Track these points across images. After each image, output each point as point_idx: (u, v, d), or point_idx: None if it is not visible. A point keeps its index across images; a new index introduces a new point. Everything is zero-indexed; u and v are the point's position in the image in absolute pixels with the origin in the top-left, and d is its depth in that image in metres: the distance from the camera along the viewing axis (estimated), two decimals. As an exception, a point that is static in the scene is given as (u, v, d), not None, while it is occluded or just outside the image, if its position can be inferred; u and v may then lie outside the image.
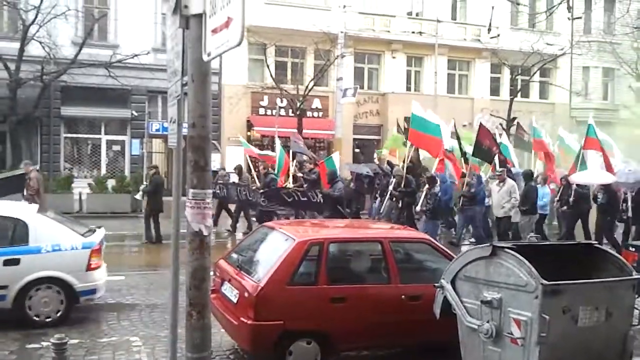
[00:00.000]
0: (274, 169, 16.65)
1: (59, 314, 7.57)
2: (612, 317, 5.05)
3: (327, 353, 6.01)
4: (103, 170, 24.40)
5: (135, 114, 24.65)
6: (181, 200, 4.54)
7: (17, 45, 20.34)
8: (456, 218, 15.98)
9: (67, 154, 24.75)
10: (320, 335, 5.95)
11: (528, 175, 14.33)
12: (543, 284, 4.66)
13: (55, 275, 7.51)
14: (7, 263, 7.36)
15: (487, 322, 5.09)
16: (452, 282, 5.47)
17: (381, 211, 15.17)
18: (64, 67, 21.04)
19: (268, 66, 24.88)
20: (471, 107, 30.12)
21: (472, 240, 14.89)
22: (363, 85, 28.75)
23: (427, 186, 13.72)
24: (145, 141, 24.03)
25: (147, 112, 24.90)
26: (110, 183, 20.65)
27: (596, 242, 6.90)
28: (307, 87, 24.26)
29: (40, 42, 20.38)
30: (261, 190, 14.72)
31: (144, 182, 16.23)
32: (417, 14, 30.19)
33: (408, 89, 30.11)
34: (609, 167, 14.74)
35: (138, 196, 15.89)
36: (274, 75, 24.79)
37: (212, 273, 5.14)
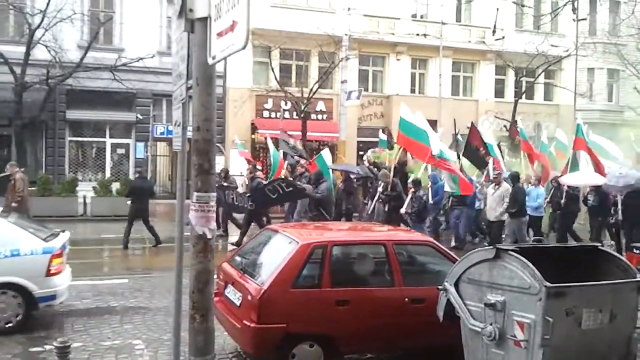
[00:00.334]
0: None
1: (18, 318, 7.38)
2: (616, 320, 5.04)
3: (330, 356, 6.00)
4: (108, 174, 24.46)
5: (140, 117, 24.72)
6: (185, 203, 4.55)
7: (22, 49, 20.42)
8: (443, 218, 16.04)
9: (72, 158, 24.82)
10: (323, 338, 5.95)
11: (515, 177, 13.83)
12: (547, 287, 4.66)
13: (12, 280, 7.31)
14: None
15: (491, 324, 5.08)
16: (456, 285, 5.47)
17: (369, 213, 15.02)
18: (69, 71, 21.11)
19: (272, 69, 24.91)
20: (476, 109, 30.07)
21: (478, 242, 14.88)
22: (367, 87, 28.75)
23: (412, 189, 13.63)
24: (150, 144, 24.10)
25: (151, 116, 24.98)
26: (115, 186, 20.68)
27: (599, 244, 6.88)
28: (311, 89, 24.28)
29: (46, 46, 20.47)
30: (248, 194, 14.60)
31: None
32: (421, 17, 30.20)
33: (412, 91, 30.12)
34: (599, 169, 14.64)
35: (129, 201, 15.88)
36: (278, 78, 24.81)
37: (215, 276, 5.15)
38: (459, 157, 16.30)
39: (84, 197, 20.25)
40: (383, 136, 22.29)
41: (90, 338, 7.26)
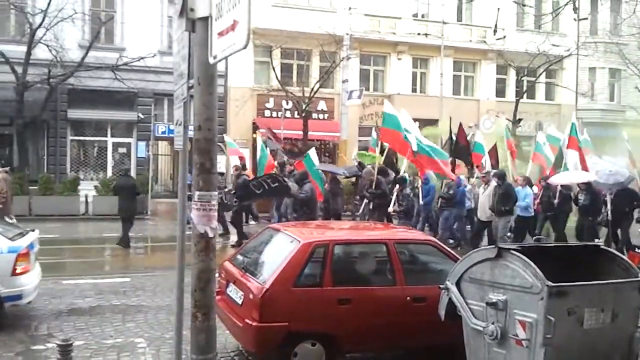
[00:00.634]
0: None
1: None
2: (617, 319, 5.04)
3: (332, 355, 6.01)
4: (109, 173, 24.47)
5: (142, 116, 24.74)
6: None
7: (24, 48, 20.45)
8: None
9: (73, 157, 24.85)
10: (325, 337, 5.95)
11: (502, 176, 13.51)
12: (548, 286, 4.66)
13: None
14: None
15: (493, 323, 5.08)
16: (457, 284, 5.47)
17: (359, 213, 14.95)
18: (70, 70, 21.14)
19: (274, 68, 24.90)
20: (477, 108, 30.08)
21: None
22: (369, 87, 28.74)
23: (397, 187, 13.52)
24: (151, 144, 24.10)
25: (153, 115, 24.99)
26: (117, 185, 20.71)
27: (602, 243, 6.88)
28: (312, 89, 24.26)
29: (47, 45, 20.49)
30: (233, 192, 14.62)
31: None
32: (422, 16, 30.19)
33: (414, 90, 30.13)
34: (584, 166, 14.59)
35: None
36: (279, 78, 24.79)
37: (217, 275, 5.16)
38: (452, 157, 16.20)
39: (86, 196, 20.28)
40: (375, 134, 22.30)
41: (93, 336, 7.27)
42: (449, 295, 5.53)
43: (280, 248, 6.41)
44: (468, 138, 17.71)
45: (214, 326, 4.20)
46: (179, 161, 4.86)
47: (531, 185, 15.05)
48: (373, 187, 13.77)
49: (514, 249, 5.11)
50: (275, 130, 22.33)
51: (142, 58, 21.61)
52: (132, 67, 22.04)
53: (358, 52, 27.47)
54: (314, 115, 26.36)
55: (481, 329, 5.18)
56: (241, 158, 19.73)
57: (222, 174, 16.85)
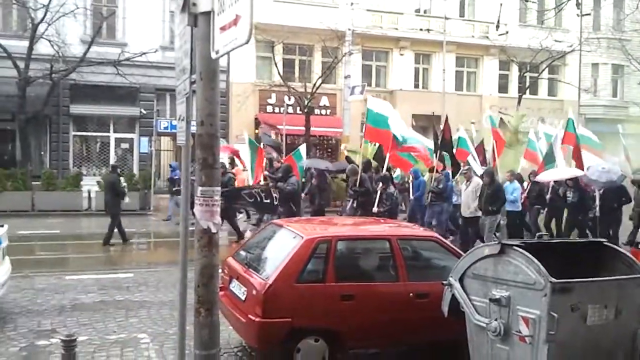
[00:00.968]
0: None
1: None
2: (621, 315, 5.02)
3: (335, 350, 6.01)
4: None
5: (144, 111, 24.76)
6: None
7: (26, 43, 20.47)
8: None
9: (76, 152, 24.88)
10: (328, 333, 5.95)
11: (490, 173, 13.13)
12: (552, 282, 4.64)
13: None
14: None
15: (496, 320, 5.07)
16: (461, 280, 5.46)
17: (347, 210, 14.83)
18: (72, 66, 21.16)
19: (276, 64, 24.89)
20: (479, 104, 30.04)
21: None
22: (371, 82, 28.72)
23: (381, 185, 13.32)
24: (154, 139, 24.11)
25: (155, 110, 24.99)
26: (119, 181, 20.73)
27: (605, 239, 6.85)
28: (314, 84, 24.26)
29: (49, 41, 20.51)
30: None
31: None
32: (425, 11, 30.17)
33: (416, 86, 30.11)
34: (578, 162, 14.47)
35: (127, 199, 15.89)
36: (281, 73, 24.80)
37: (220, 270, 5.16)
38: (442, 153, 16.02)
39: (89, 192, 20.32)
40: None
41: (96, 332, 7.29)
42: (452, 291, 5.52)
43: (283, 244, 6.41)
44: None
45: (217, 322, 4.19)
46: (181, 156, 4.85)
47: (522, 181, 15.02)
48: (357, 184, 13.51)
49: (517, 245, 5.10)
50: (277, 126, 22.33)
51: (144, 53, 21.64)
52: (134, 62, 22.05)
53: (360, 47, 27.44)
54: (317, 111, 26.36)
55: (484, 325, 5.17)
56: (236, 154, 19.65)
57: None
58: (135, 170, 24.21)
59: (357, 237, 7.06)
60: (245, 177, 17.81)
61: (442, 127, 16.11)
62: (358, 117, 27.78)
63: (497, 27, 27.18)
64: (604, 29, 31.31)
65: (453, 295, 5.51)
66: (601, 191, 13.46)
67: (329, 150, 28.18)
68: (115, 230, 13.84)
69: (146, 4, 23.85)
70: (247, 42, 3.43)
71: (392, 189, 13.58)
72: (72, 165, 24.27)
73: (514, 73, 31.15)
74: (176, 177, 19.43)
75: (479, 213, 12.98)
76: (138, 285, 9.82)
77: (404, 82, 29.19)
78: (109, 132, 25.30)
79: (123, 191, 14.76)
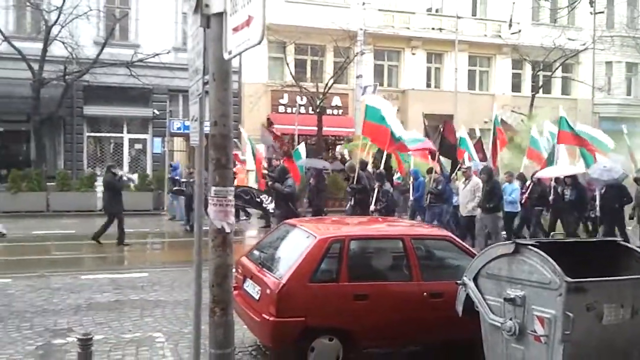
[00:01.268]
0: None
1: None
2: (637, 315, 4.98)
3: (349, 350, 6.01)
4: (125, 169, 24.60)
5: (157, 112, 24.87)
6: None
7: (40, 45, 20.63)
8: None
9: (90, 153, 25.05)
10: (342, 332, 5.95)
11: (489, 172, 13.07)
12: (567, 282, 4.62)
13: None
14: None
15: (510, 319, 5.05)
16: (475, 280, 5.44)
17: (346, 209, 14.77)
18: (86, 67, 21.31)
19: (288, 64, 24.94)
20: (492, 103, 29.79)
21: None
22: (383, 82, 28.69)
23: (377, 183, 13.25)
24: (167, 139, 24.24)
25: (168, 111, 25.11)
26: (133, 181, 20.87)
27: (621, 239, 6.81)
28: (326, 84, 24.27)
29: (63, 42, 20.67)
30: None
31: None
32: (436, 10, 30.08)
33: (428, 85, 30.03)
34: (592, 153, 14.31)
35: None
36: (293, 73, 24.83)
37: (234, 270, 5.17)
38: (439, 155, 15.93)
39: (103, 192, 20.42)
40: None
41: (112, 331, 7.33)
42: (466, 291, 5.50)
43: (296, 243, 6.42)
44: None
45: (231, 321, 4.21)
46: (195, 157, 4.87)
47: (525, 181, 14.85)
48: (354, 182, 13.47)
49: (531, 245, 5.07)
50: (289, 126, 22.34)
51: (156, 54, 21.75)
52: (146, 63, 22.17)
53: (372, 47, 27.44)
54: (329, 111, 26.38)
55: (499, 324, 5.15)
56: (235, 156, 19.67)
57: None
58: (149, 171, 24.34)
59: (371, 237, 7.05)
60: (244, 177, 17.90)
61: (441, 129, 16.02)
62: (370, 117, 27.79)
63: (510, 25, 27.06)
64: (618, 26, 31.06)
65: (467, 294, 5.49)
66: (602, 190, 13.31)
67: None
68: (132, 230, 13.92)
69: (159, 5, 23.97)
70: (259, 43, 3.44)
71: (388, 185, 13.54)
72: (86, 165, 24.44)
73: (527, 72, 30.97)
74: (176, 177, 19.57)
75: (476, 212, 12.93)
76: (153, 284, 9.87)
77: (416, 82, 29.12)
78: (122, 132, 25.44)
79: (120, 186, 14.69)
